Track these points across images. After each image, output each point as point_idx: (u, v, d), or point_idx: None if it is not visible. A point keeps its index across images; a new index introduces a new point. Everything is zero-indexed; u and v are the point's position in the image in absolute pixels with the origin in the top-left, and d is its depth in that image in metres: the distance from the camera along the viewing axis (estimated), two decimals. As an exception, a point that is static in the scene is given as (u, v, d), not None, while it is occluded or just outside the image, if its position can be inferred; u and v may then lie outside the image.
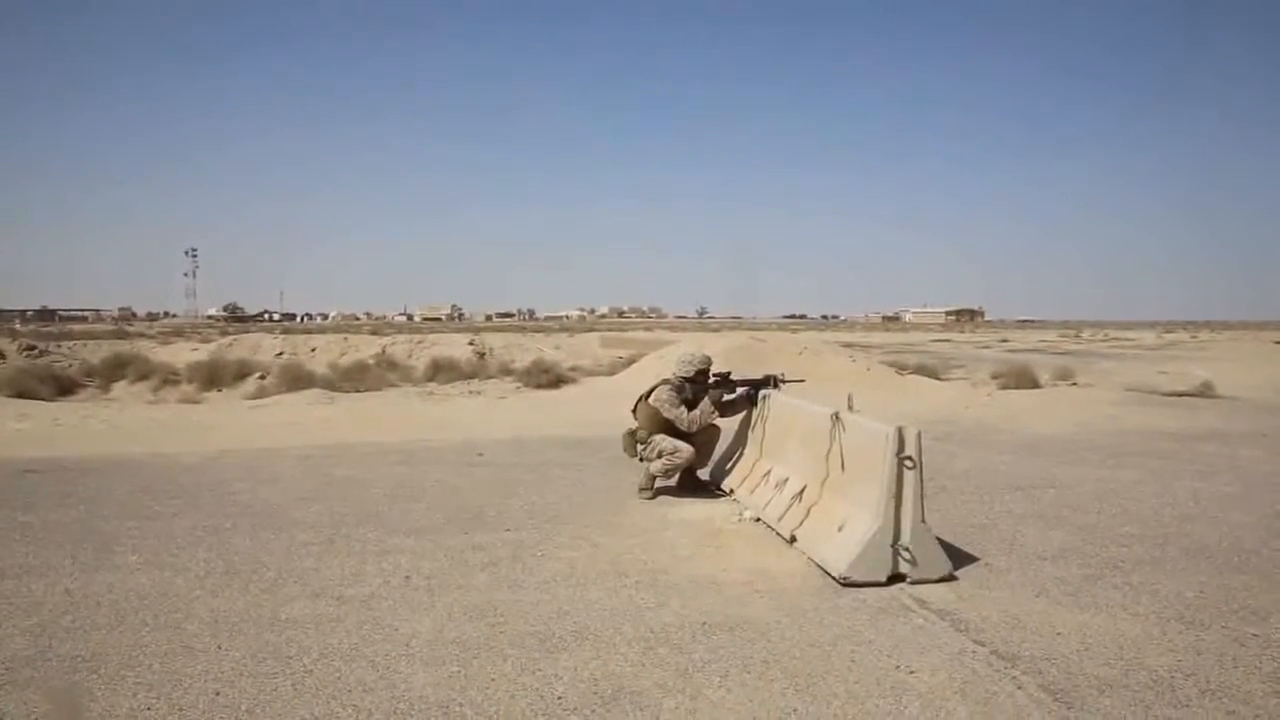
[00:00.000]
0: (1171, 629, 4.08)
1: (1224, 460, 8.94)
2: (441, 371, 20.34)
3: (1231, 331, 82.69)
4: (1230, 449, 9.74)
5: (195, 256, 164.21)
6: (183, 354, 24.62)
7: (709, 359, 7.05)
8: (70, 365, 18.33)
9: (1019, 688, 3.41)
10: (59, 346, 25.61)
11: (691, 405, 6.85)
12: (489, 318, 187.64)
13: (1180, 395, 15.70)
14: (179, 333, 48.70)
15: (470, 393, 18.08)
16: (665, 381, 6.97)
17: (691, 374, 6.93)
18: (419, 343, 25.36)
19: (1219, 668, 3.63)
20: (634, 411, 7.06)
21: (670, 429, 6.83)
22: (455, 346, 24.80)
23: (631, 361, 21.70)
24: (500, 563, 5.10)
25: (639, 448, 6.93)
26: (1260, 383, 19.06)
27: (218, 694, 3.33)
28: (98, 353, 19.88)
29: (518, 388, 18.74)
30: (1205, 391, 16.03)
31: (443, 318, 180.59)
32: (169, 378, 18.30)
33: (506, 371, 20.83)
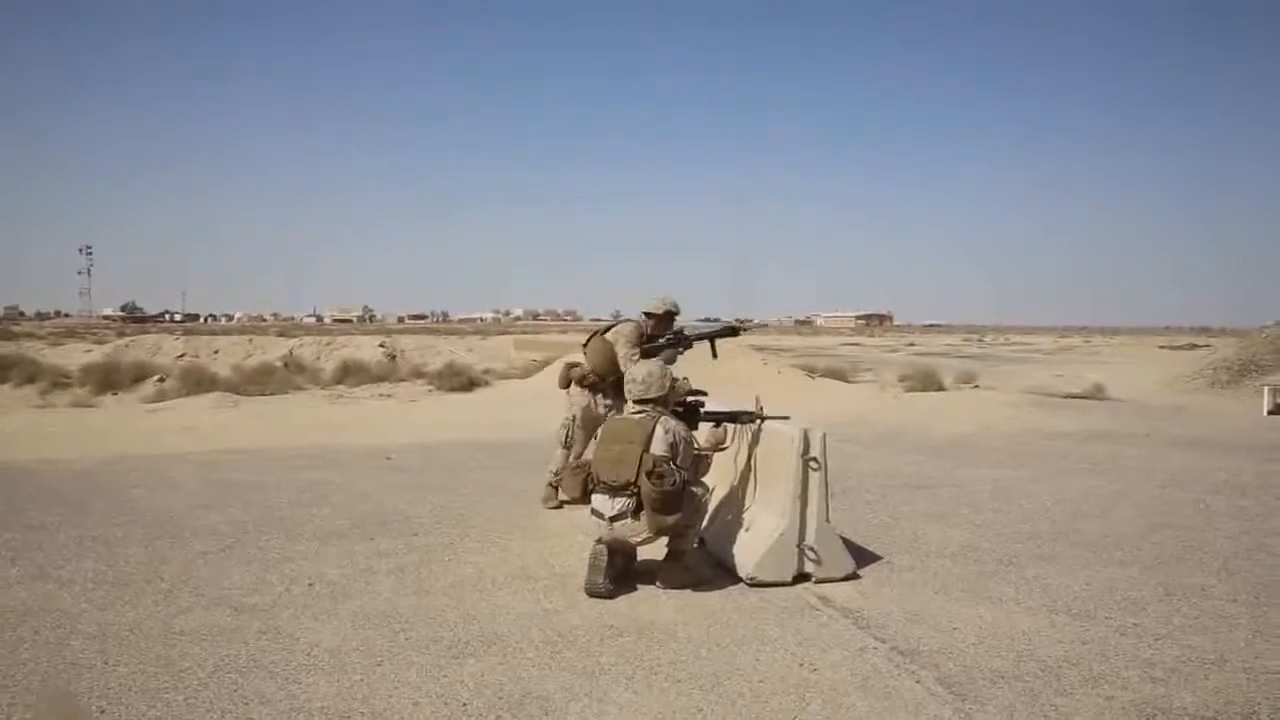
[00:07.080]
0: (1060, 621, 4.27)
1: (1111, 459, 9.39)
2: (351, 374, 19.92)
3: (1120, 337, 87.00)
4: (1118, 448, 10.23)
5: (90, 254, 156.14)
6: (75, 355, 23.52)
7: (677, 305, 6.68)
8: (-52, 367, 17.28)
9: (917, 681, 3.52)
10: (-64, 347, 24.11)
11: (649, 354, 6.29)
12: (401, 319, 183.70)
13: (1074, 397, 16.42)
14: (72, 333, 46.40)
15: (380, 396, 17.75)
16: (631, 320, 6.59)
17: (661, 311, 6.57)
18: (328, 345, 24.75)
19: (1101, 657, 3.80)
20: (584, 346, 6.65)
21: (618, 373, 6.28)
22: (365, 349, 24.29)
23: (546, 364, 21.59)
24: (406, 568, 5.01)
25: (565, 436, 6.50)
26: (1145, 385, 20.11)
27: (103, 711, 3.18)
28: (-20, 354, 18.82)
29: (429, 390, 18.47)
30: (1096, 394, 16.83)
31: (353, 319, 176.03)
32: (59, 380, 17.43)
33: (418, 374, 20.52)
